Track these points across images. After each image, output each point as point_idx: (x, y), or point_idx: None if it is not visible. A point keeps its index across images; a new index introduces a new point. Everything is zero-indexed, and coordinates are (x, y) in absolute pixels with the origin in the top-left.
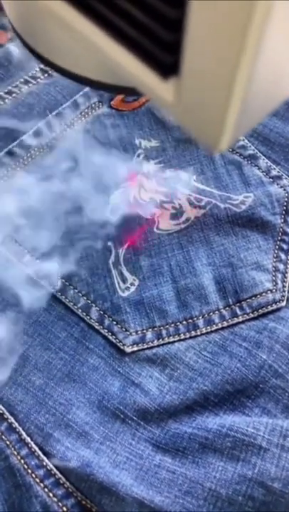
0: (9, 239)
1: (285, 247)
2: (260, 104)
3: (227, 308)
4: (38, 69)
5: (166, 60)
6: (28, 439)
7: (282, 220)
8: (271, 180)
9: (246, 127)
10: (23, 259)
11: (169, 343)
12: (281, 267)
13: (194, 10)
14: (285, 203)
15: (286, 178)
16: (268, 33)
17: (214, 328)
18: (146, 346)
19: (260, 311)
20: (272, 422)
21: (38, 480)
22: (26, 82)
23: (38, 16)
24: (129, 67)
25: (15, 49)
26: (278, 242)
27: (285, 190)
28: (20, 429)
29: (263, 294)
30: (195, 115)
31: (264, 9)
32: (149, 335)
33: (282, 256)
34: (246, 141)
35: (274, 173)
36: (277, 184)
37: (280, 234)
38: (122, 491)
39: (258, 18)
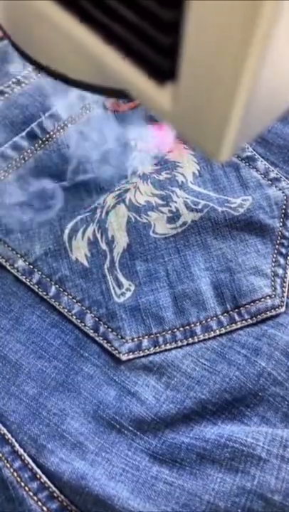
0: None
1: (283, 251)
2: (263, 112)
3: (225, 314)
4: (30, 69)
5: (162, 64)
6: (21, 451)
7: (281, 224)
8: (270, 182)
9: (249, 136)
10: (15, 264)
11: (165, 350)
12: (280, 271)
13: (193, 11)
14: (284, 206)
15: (285, 181)
16: (276, 35)
17: (212, 334)
18: (142, 354)
19: (259, 317)
20: (271, 431)
21: (31, 493)
22: (19, 82)
23: (28, 17)
24: (123, 72)
25: (6, 48)
26: (277, 246)
27: (283, 192)
28: (13, 440)
29: (262, 299)
30: (193, 123)
31: (272, 8)
32: (145, 342)
33: (281, 260)
34: None
35: (272, 175)
36: (276, 187)
37: (279, 238)
38: (118, 505)
39: (266, 19)
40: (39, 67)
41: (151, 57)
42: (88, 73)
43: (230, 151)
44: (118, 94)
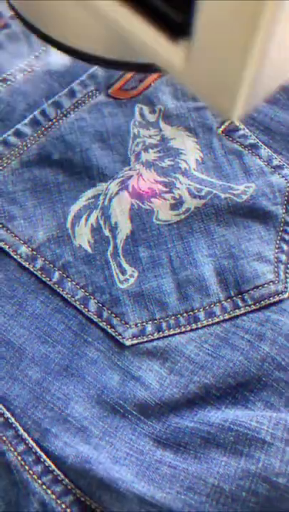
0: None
1: (287, 237)
2: (276, 69)
3: (228, 300)
4: (33, 57)
5: (176, 18)
6: (25, 435)
7: (284, 211)
8: (273, 169)
9: (259, 96)
10: (18, 250)
11: (169, 335)
12: (283, 257)
13: None
14: (287, 193)
15: (287, 168)
16: None
17: (215, 320)
18: (146, 339)
19: (262, 303)
20: (276, 415)
21: (35, 477)
22: (21, 70)
23: None
24: (136, 30)
25: (9, 36)
26: (280, 233)
27: (286, 179)
28: (17, 424)
29: (265, 285)
30: (207, 80)
31: None
32: (148, 327)
33: (285, 247)
34: (247, 130)
35: (275, 162)
36: (279, 174)
37: (282, 224)
38: (122, 487)
39: None
40: (53, 44)
41: (165, 12)
42: (103, 47)
43: (242, 109)
44: (131, 67)
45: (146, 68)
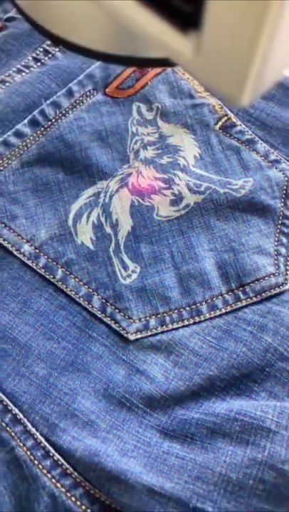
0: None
1: (286, 230)
2: (285, 56)
3: (230, 293)
4: (30, 58)
5: (185, 9)
6: (34, 430)
7: (283, 204)
8: (270, 164)
9: (267, 83)
10: (21, 248)
11: (172, 329)
12: (283, 250)
13: None
14: (285, 187)
15: (285, 162)
16: None
17: (218, 313)
18: (150, 333)
19: (264, 295)
20: (280, 404)
21: (45, 471)
22: (19, 71)
23: None
24: (145, 22)
25: (6, 38)
26: (279, 226)
27: (284, 174)
28: (25, 420)
29: (266, 277)
30: (216, 70)
31: None
32: (152, 322)
33: (284, 239)
34: (243, 126)
35: (272, 157)
36: (276, 168)
37: (281, 218)
38: (131, 479)
39: None
40: (58, 41)
41: (173, 3)
42: (110, 43)
43: (251, 96)
44: (140, 62)
45: (155, 62)
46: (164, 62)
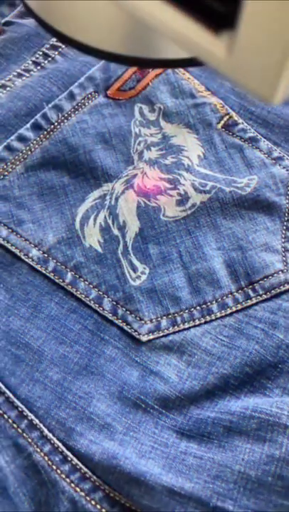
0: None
1: None
2: None
3: (240, 291)
4: (30, 61)
5: (220, 9)
6: (50, 435)
7: (288, 201)
8: (273, 161)
9: None
10: (30, 253)
11: (184, 329)
12: None
13: None
14: None
15: (288, 159)
16: None
17: (228, 311)
18: (161, 334)
19: (273, 292)
20: None
21: (63, 476)
22: (19, 75)
23: None
24: (177, 24)
25: (5, 42)
26: (285, 223)
27: (287, 170)
28: (42, 425)
29: (275, 274)
30: (248, 69)
31: None
32: (164, 322)
33: None
34: (245, 124)
35: (275, 154)
36: (280, 165)
37: (287, 214)
38: (150, 480)
39: None
40: (72, 43)
41: (207, 3)
42: (131, 45)
43: (283, 95)
44: (161, 63)
45: (179, 63)
46: (189, 62)
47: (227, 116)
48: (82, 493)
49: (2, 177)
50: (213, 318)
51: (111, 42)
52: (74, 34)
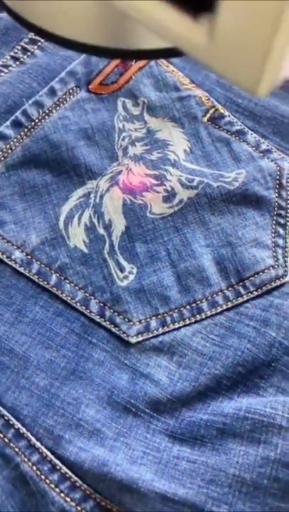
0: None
1: (282, 221)
2: None
3: (230, 288)
4: (8, 57)
5: None
6: (38, 444)
7: (277, 195)
8: (261, 154)
9: (287, 69)
10: (12, 255)
11: (174, 329)
12: (280, 241)
13: None
14: (278, 177)
15: (276, 152)
16: None
17: (219, 310)
18: (151, 335)
19: (264, 288)
20: None
21: (52, 485)
22: None
23: None
24: (154, 10)
25: None
26: (275, 217)
27: (276, 163)
28: (29, 434)
29: (265, 270)
30: (231, 56)
31: None
32: (153, 323)
33: (281, 230)
34: (232, 117)
35: (263, 147)
36: (268, 158)
37: (276, 208)
38: (143, 487)
39: None
40: (48, 36)
41: None
42: (107, 36)
43: (269, 86)
44: (141, 55)
45: (161, 53)
46: (171, 53)
47: (213, 109)
48: (73, 503)
49: None
50: (204, 317)
51: (89, 34)
52: (49, 27)
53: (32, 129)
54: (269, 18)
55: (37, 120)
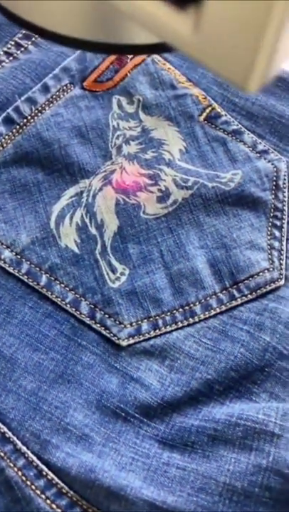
0: None
1: (278, 223)
2: None
3: (224, 291)
4: (1, 52)
5: None
6: (24, 449)
7: (273, 196)
8: (258, 155)
9: (280, 64)
10: (2, 255)
11: (166, 332)
12: (276, 244)
13: None
14: (275, 178)
15: (273, 152)
16: None
17: (212, 313)
18: (142, 338)
19: (259, 292)
20: (282, 406)
21: (38, 492)
22: None
23: None
24: (142, 3)
25: None
26: (271, 219)
27: (273, 164)
28: (15, 438)
29: (260, 273)
30: (218, 49)
31: None
32: (144, 326)
33: (276, 233)
34: (229, 116)
35: (260, 147)
36: (265, 159)
37: (272, 210)
38: (131, 495)
39: None
40: (35, 30)
41: None
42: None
43: (259, 82)
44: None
45: (149, 48)
46: (160, 48)
47: (209, 108)
48: (59, 510)
49: None
50: (197, 320)
51: (78, 28)
52: (39, 22)
53: (24, 126)
54: (259, 9)
55: (29, 117)
